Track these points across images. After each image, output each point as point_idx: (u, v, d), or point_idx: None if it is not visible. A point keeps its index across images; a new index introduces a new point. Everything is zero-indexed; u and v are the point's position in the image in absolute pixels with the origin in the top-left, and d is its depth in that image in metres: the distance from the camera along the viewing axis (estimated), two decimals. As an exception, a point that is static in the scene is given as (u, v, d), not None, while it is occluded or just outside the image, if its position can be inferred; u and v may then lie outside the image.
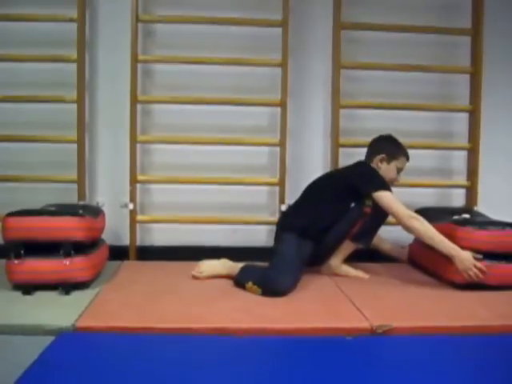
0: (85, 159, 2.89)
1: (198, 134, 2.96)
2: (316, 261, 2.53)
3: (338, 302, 2.15)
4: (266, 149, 3.05)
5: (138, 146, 2.94)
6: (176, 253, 2.90)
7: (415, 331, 1.86)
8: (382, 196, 2.39)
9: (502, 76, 3.10)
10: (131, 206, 2.88)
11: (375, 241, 2.63)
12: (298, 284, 2.30)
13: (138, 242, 2.96)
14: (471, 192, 3.02)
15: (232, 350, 1.67)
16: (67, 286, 2.16)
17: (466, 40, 3.03)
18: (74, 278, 2.18)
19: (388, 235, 2.78)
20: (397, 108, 3.01)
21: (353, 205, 2.48)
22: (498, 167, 3.10)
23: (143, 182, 2.98)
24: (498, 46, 3.07)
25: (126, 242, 2.91)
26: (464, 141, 3.07)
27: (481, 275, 2.23)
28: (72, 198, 2.83)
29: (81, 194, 2.85)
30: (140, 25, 2.93)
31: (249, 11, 2.95)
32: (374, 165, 2.59)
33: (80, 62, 2.83)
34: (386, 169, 2.57)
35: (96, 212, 2.52)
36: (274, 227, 2.62)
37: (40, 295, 2.14)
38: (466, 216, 2.52)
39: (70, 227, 2.22)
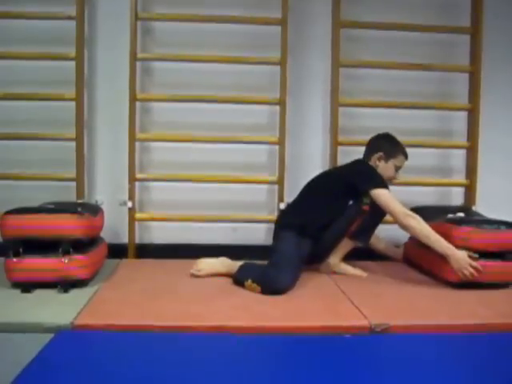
0: (84, 157, 2.89)
1: (196, 132, 2.96)
2: (315, 259, 2.53)
3: (336, 300, 2.15)
4: (265, 147, 3.05)
5: (137, 143, 2.94)
6: (175, 251, 2.90)
7: (414, 329, 1.86)
8: (380, 194, 2.40)
9: (501, 75, 3.10)
10: (130, 204, 2.88)
11: (371, 239, 2.64)
12: (297, 282, 2.30)
13: (137, 240, 2.95)
14: (470, 190, 3.02)
15: (231, 348, 1.68)
16: (66, 284, 2.16)
17: (465, 38, 3.03)
18: (73, 276, 2.18)
19: (385, 234, 2.78)
20: (396, 106, 3.00)
21: (351, 203, 2.48)
22: (496, 166, 3.10)
23: (142, 180, 2.98)
24: (497, 44, 3.07)
25: (125, 240, 2.91)
26: (463, 139, 3.08)
27: (476, 274, 2.23)
28: (71, 196, 2.83)
29: (79, 192, 2.85)
30: (139, 23, 2.92)
31: (248, 9, 2.95)
32: (372, 163, 2.59)
33: (79, 59, 2.82)
34: (383, 167, 2.57)
35: (95, 210, 2.52)
36: (273, 225, 2.62)
37: (39, 293, 2.14)
38: (462, 215, 2.53)
39: (68, 225, 2.21)
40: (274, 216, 2.86)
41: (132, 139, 2.88)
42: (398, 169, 2.60)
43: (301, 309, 2.03)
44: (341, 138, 2.96)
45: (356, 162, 2.62)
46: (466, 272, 2.23)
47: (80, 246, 2.24)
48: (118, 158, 2.94)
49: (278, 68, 2.90)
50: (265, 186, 3.06)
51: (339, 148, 2.95)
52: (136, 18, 2.86)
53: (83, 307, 1.96)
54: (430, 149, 3.11)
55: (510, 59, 3.12)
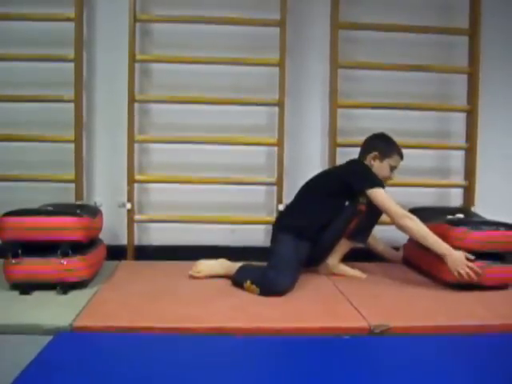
0: (82, 159, 2.89)
1: (195, 134, 2.95)
2: (313, 262, 2.53)
3: (335, 301, 2.15)
4: (263, 148, 3.05)
5: (136, 145, 2.94)
6: (174, 252, 2.90)
7: (413, 330, 1.86)
8: (376, 193, 2.39)
9: (499, 76, 3.10)
10: (129, 206, 2.88)
11: (370, 240, 2.64)
12: (295, 283, 2.30)
13: (136, 242, 2.95)
14: (469, 192, 3.02)
15: (229, 349, 1.67)
16: (65, 286, 2.16)
17: (464, 40, 3.04)
18: (72, 278, 2.18)
19: (382, 235, 2.79)
20: (394, 108, 3.01)
21: (347, 203, 2.48)
22: (495, 167, 3.11)
23: (141, 182, 2.98)
24: (496, 45, 3.08)
25: (124, 241, 2.91)
26: (461, 140, 3.08)
27: (472, 275, 2.23)
28: (70, 198, 2.83)
29: (78, 194, 2.85)
30: (138, 24, 2.92)
31: (247, 11, 2.95)
32: (367, 162, 2.58)
33: (78, 61, 2.82)
34: (378, 167, 2.57)
35: (94, 212, 2.51)
36: (271, 227, 2.62)
37: (38, 295, 2.13)
38: (460, 216, 2.53)
39: (67, 227, 2.21)
40: (273, 217, 2.86)
41: (131, 141, 2.88)
42: (393, 169, 2.59)
43: (300, 310, 2.03)
44: (339, 140, 2.96)
45: (351, 162, 2.62)
46: (462, 272, 2.23)
47: (79, 247, 2.24)
48: (117, 160, 2.94)
49: (276, 69, 2.90)
50: (263, 188, 3.06)
51: (338, 149, 2.95)
52: (135, 19, 2.86)
53: (82, 309, 1.95)
54: (429, 150, 3.11)
55: (509, 60, 3.13)
